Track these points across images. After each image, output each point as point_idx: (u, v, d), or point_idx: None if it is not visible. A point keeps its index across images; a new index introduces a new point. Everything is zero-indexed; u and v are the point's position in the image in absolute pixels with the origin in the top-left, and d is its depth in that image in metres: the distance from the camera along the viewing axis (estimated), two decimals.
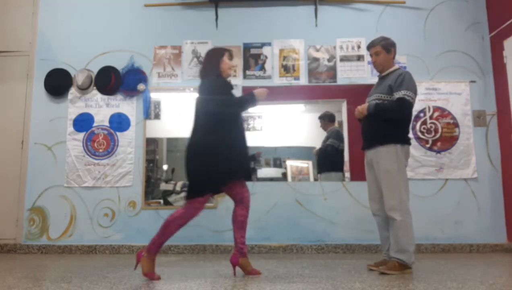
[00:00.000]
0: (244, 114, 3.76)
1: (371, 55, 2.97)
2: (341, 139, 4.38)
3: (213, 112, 2.65)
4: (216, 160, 2.60)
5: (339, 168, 4.35)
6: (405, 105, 2.71)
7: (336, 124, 4.52)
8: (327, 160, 4.45)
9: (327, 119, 4.51)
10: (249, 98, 2.76)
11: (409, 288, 2.19)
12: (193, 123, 2.75)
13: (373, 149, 2.81)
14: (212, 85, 2.71)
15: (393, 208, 2.67)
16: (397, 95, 2.72)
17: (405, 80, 2.74)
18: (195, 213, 2.65)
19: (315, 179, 4.55)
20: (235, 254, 2.69)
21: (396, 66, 2.93)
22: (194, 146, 2.68)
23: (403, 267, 2.64)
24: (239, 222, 2.76)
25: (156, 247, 2.60)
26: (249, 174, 2.83)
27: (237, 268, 2.69)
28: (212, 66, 2.79)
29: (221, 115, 2.65)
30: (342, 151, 4.35)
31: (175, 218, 2.61)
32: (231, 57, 2.85)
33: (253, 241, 4.01)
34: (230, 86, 2.81)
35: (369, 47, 2.99)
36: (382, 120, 2.76)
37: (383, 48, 2.89)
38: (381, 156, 2.75)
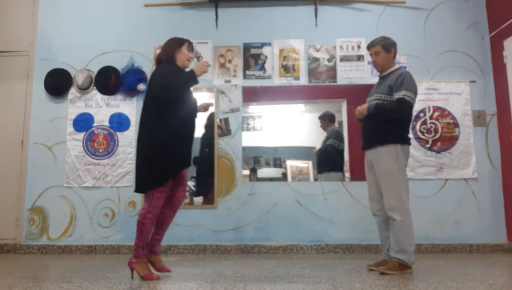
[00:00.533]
0: (240, 114, 3.71)
1: (371, 55, 2.97)
2: (341, 139, 4.38)
3: (154, 97, 2.58)
4: (160, 153, 2.54)
5: (339, 168, 4.35)
6: (405, 106, 2.71)
7: (336, 124, 4.52)
8: (327, 160, 4.45)
9: (327, 119, 4.51)
10: (187, 76, 2.64)
11: (409, 288, 2.19)
12: (141, 116, 2.70)
13: (373, 149, 2.81)
14: (159, 71, 2.63)
15: (393, 208, 2.67)
16: (397, 95, 2.72)
17: (405, 80, 2.74)
18: (159, 203, 2.57)
19: (315, 179, 4.55)
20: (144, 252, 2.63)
21: (397, 66, 2.93)
22: (139, 139, 2.63)
23: (403, 267, 2.64)
24: (160, 221, 2.70)
25: (141, 249, 2.57)
26: (188, 164, 2.71)
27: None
28: (167, 53, 2.74)
29: (162, 101, 2.57)
30: (342, 151, 4.35)
31: (144, 216, 2.56)
32: (190, 49, 2.79)
33: (253, 241, 4.02)
34: (179, 72, 2.68)
35: (369, 47, 3.00)
36: (382, 120, 2.76)
37: (382, 48, 2.90)
38: (381, 156, 2.75)
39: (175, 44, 2.78)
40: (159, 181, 2.55)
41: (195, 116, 2.78)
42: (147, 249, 2.63)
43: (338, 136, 4.40)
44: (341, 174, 4.33)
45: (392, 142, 2.73)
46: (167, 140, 2.56)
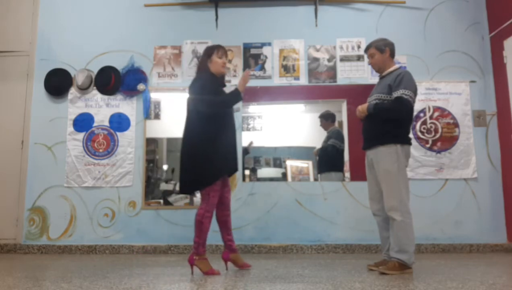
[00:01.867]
0: (241, 114, 3.83)
1: (368, 58, 3.01)
2: (342, 140, 4.38)
3: (200, 112, 2.76)
4: (210, 156, 2.71)
5: (339, 168, 4.35)
6: (403, 104, 2.70)
7: (336, 124, 4.52)
8: (328, 160, 4.45)
9: (329, 119, 4.51)
10: (232, 95, 2.81)
11: (409, 288, 2.19)
12: (185, 122, 2.87)
13: (374, 149, 2.82)
14: (199, 84, 2.80)
15: (393, 208, 2.67)
16: (395, 94, 2.73)
17: (404, 79, 2.75)
18: (214, 201, 2.76)
19: (315, 179, 4.55)
20: (226, 251, 2.89)
21: (397, 66, 2.93)
22: (188, 145, 2.79)
23: (403, 267, 2.64)
24: (223, 222, 2.92)
25: (202, 246, 2.73)
26: (236, 168, 2.94)
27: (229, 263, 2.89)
28: (202, 64, 2.90)
29: (207, 114, 2.75)
30: (342, 152, 4.35)
31: (203, 215, 2.72)
32: (221, 55, 2.88)
33: (253, 241, 4.01)
34: (217, 84, 2.86)
35: (365, 51, 3.05)
36: (382, 120, 2.77)
37: (376, 49, 2.92)
38: (382, 156, 2.75)
39: (205, 56, 2.91)
40: (209, 181, 2.72)
41: (234, 121, 2.95)
42: (227, 249, 2.88)
43: (339, 136, 4.40)
44: (341, 174, 4.33)
45: (393, 142, 2.73)
46: (215, 146, 2.72)
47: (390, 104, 2.75)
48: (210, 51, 2.88)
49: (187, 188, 2.84)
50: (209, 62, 2.85)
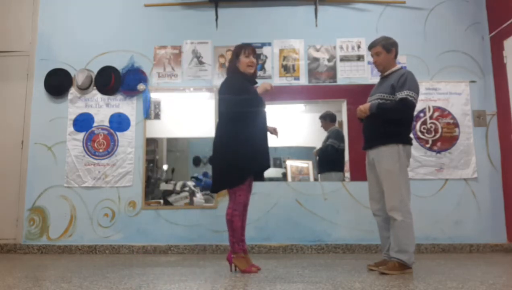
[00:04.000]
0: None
1: (372, 55, 2.98)
2: (341, 139, 4.38)
3: (223, 111, 2.86)
4: (233, 157, 2.76)
5: (339, 168, 4.34)
6: (408, 105, 2.71)
7: (336, 124, 4.52)
8: (327, 160, 4.45)
9: (328, 119, 4.51)
10: (253, 100, 2.87)
11: (409, 288, 2.19)
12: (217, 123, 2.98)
13: (375, 149, 2.81)
14: (225, 85, 2.88)
15: (394, 209, 2.67)
16: (400, 95, 2.72)
17: (408, 80, 2.74)
18: (241, 199, 2.80)
19: (315, 179, 4.55)
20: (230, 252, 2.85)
21: (399, 66, 2.93)
22: (216, 143, 2.88)
23: (403, 267, 2.64)
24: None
25: (237, 244, 2.76)
26: (267, 165, 2.93)
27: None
28: (230, 64, 2.98)
29: (231, 114, 2.82)
30: (342, 151, 4.35)
31: (232, 214, 2.77)
32: (248, 54, 2.94)
33: (253, 241, 4.01)
34: (245, 83, 2.91)
35: (370, 48, 3.00)
36: (383, 120, 2.76)
37: (383, 48, 2.89)
38: (383, 156, 2.75)
39: (233, 56, 2.98)
40: (235, 182, 2.79)
41: (265, 121, 2.99)
42: (242, 244, 2.81)
43: (338, 136, 4.40)
44: (341, 174, 4.33)
45: (394, 142, 2.72)
46: (244, 145, 2.77)
47: (394, 104, 2.74)
48: (238, 50, 2.94)
49: (215, 187, 2.90)
50: (237, 62, 2.92)
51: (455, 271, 2.77)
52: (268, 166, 2.93)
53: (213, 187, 2.90)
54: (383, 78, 2.94)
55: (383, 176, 2.74)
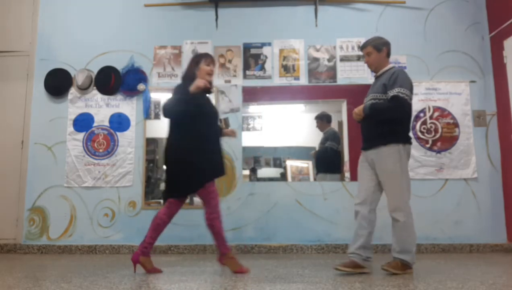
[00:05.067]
0: (241, 114, 3.84)
1: (364, 56, 2.95)
2: (338, 141, 4.40)
3: (167, 116, 2.81)
4: (184, 165, 2.74)
5: (335, 170, 4.36)
6: (400, 103, 2.66)
7: (336, 124, 4.52)
8: (325, 162, 4.47)
9: (325, 120, 4.52)
10: (180, 98, 2.76)
11: (409, 288, 2.19)
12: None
13: (375, 149, 2.75)
14: (173, 91, 2.84)
15: (398, 209, 2.64)
16: (391, 93, 2.68)
17: (399, 78, 2.70)
18: (216, 201, 2.80)
19: (315, 179, 4.55)
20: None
21: (391, 65, 2.89)
22: (166, 151, 2.86)
23: (405, 267, 2.64)
24: (161, 224, 2.83)
25: (222, 247, 2.81)
26: (221, 172, 2.88)
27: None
28: (187, 71, 2.94)
29: (173, 119, 2.81)
30: (339, 153, 4.36)
31: (211, 218, 2.77)
32: (209, 63, 2.92)
33: (253, 241, 4.02)
34: (187, 88, 2.75)
35: (361, 49, 2.98)
36: (380, 120, 2.73)
37: (374, 48, 2.85)
38: (384, 157, 2.70)
39: (193, 63, 2.94)
40: (197, 185, 2.77)
41: (216, 123, 2.97)
42: (222, 247, 2.83)
43: (336, 137, 4.41)
44: (337, 175, 4.33)
45: (395, 141, 2.69)
46: (189, 152, 2.73)
47: (386, 103, 2.71)
48: (199, 58, 2.93)
49: (170, 194, 2.85)
50: (196, 70, 2.88)
51: (455, 271, 2.77)
52: (221, 173, 2.87)
53: (170, 193, 2.83)
54: (377, 78, 2.90)
55: (385, 177, 2.70)
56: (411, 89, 2.74)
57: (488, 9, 4.34)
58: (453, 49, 4.32)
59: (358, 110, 2.82)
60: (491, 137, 4.18)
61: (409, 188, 2.73)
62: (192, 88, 2.70)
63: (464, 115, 4.20)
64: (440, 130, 4.19)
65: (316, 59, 4.36)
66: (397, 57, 4.30)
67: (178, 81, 4.32)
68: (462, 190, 4.08)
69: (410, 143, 2.78)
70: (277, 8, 4.44)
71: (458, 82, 4.25)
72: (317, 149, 4.56)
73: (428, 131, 4.19)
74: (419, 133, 4.19)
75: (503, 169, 4.11)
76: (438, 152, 4.15)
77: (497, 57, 4.15)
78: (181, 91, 2.77)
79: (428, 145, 4.17)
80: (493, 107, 4.21)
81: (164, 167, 2.89)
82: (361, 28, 4.37)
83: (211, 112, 2.93)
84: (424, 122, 4.21)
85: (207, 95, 2.96)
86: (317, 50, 4.38)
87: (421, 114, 4.22)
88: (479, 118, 4.20)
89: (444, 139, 4.17)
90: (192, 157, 2.73)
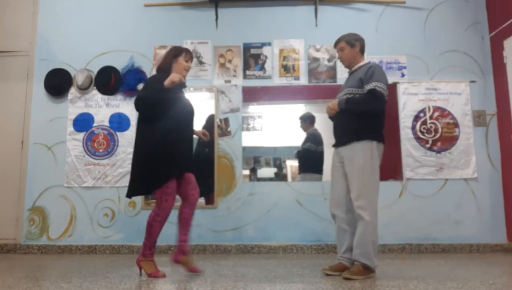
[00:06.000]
0: (241, 114, 3.79)
1: (337, 52, 2.87)
2: (317, 142, 4.42)
3: (137, 110, 2.76)
4: (150, 158, 2.62)
5: (315, 170, 4.39)
6: (376, 96, 2.59)
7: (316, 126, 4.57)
8: (305, 162, 4.51)
9: (308, 121, 4.54)
10: (154, 90, 2.65)
11: (409, 288, 2.19)
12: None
13: (348, 146, 2.64)
14: (145, 83, 2.77)
15: (363, 207, 2.53)
16: (368, 86, 2.60)
17: (376, 72, 2.64)
18: (168, 205, 2.63)
19: (300, 179, 4.57)
20: (176, 253, 2.77)
21: (366, 61, 2.83)
22: (134, 145, 2.79)
23: (368, 271, 2.52)
24: (183, 220, 2.76)
25: (148, 249, 2.65)
26: (189, 167, 2.77)
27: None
28: (164, 63, 2.83)
29: (144, 113, 2.72)
30: (320, 153, 4.38)
31: (153, 218, 2.64)
32: (188, 59, 2.84)
33: (253, 241, 4.01)
34: (162, 82, 2.65)
35: (334, 45, 2.89)
36: (355, 115, 2.63)
37: (346, 43, 2.79)
38: (356, 153, 2.60)
39: (171, 55, 2.83)
40: (155, 185, 2.63)
41: (188, 120, 2.83)
42: (179, 250, 2.75)
43: (315, 139, 4.44)
44: (318, 175, 4.36)
45: (368, 137, 2.59)
46: (157, 147, 2.62)
47: (362, 96, 2.63)
48: (178, 52, 2.82)
49: (132, 192, 2.69)
50: (174, 62, 2.79)
51: (455, 271, 2.77)
52: (185, 170, 2.74)
53: (128, 191, 2.69)
54: (351, 74, 2.83)
55: (355, 174, 2.58)
56: (387, 84, 2.66)
57: (488, 9, 4.34)
58: (453, 49, 4.32)
59: (332, 104, 2.72)
60: (491, 137, 4.18)
61: (377, 189, 2.61)
62: (167, 82, 2.58)
63: (464, 115, 4.20)
64: (440, 130, 4.19)
65: (316, 59, 4.36)
66: (397, 57, 4.30)
67: None
68: (462, 190, 4.08)
69: (383, 142, 2.67)
70: (277, 8, 4.44)
71: (458, 82, 4.25)
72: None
73: (428, 131, 4.19)
74: (419, 133, 4.19)
75: (503, 169, 4.11)
76: (438, 152, 4.15)
77: (497, 57, 4.15)
78: (154, 83, 2.66)
79: (428, 145, 4.17)
80: (493, 107, 4.21)
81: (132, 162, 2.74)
82: (361, 28, 4.33)
83: (183, 109, 2.79)
84: (424, 122, 4.21)
85: (182, 89, 2.85)
86: (317, 50, 4.38)
87: (421, 114, 4.22)
88: (479, 118, 4.20)
89: (444, 139, 4.17)
90: (155, 155, 2.60)
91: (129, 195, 2.69)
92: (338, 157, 2.75)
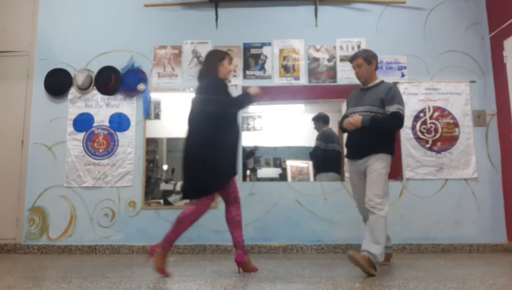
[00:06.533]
0: (241, 114, 3.83)
1: (353, 67, 3.05)
2: (327, 140, 4.38)
3: (211, 112, 2.72)
4: (217, 160, 2.67)
5: (329, 168, 4.34)
6: (400, 119, 2.85)
7: (336, 124, 4.52)
8: (318, 161, 4.49)
9: (320, 121, 4.53)
10: (245, 98, 2.89)
11: (409, 288, 2.19)
12: (190, 123, 2.83)
13: (366, 158, 2.86)
14: (211, 85, 2.79)
15: (379, 204, 2.73)
16: (392, 109, 2.83)
17: (396, 95, 2.87)
18: (205, 209, 2.72)
19: (315, 179, 4.55)
20: (240, 253, 2.75)
21: (380, 79, 3.02)
22: (195, 146, 2.74)
23: (371, 263, 2.63)
24: (237, 221, 2.82)
25: (170, 243, 2.66)
26: (235, 173, 2.88)
27: None
28: (211, 67, 2.88)
29: (218, 115, 2.73)
30: (332, 151, 4.34)
31: (186, 215, 2.67)
32: (231, 63, 2.96)
33: (253, 241, 4.01)
34: (227, 87, 2.88)
35: (351, 60, 3.08)
36: (375, 132, 2.84)
37: (364, 60, 2.97)
38: (374, 161, 2.82)
39: (217, 58, 2.92)
40: (213, 189, 2.72)
41: (240, 128, 3.02)
42: (242, 250, 2.76)
43: (323, 137, 4.42)
44: (333, 175, 4.31)
45: (385, 151, 2.85)
46: (220, 151, 2.70)
47: (387, 118, 2.85)
48: (223, 55, 2.93)
49: (190, 194, 2.78)
50: (220, 66, 2.87)
51: (455, 271, 2.77)
52: (235, 174, 2.87)
53: (189, 193, 2.76)
54: (366, 90, 3.00)
55: (373, 174, 2.80)
56: (404, 105, 2.91)
57: (488, 9, 4.34)
58: (453, 49, 4.32)
59: (355, 121, 2.87)
60: (491, 137, 4.18)
61: (388, 194, 2.84)
62: (255, 94, 2.83)
63: (464, 115, 4.20)
64: (440, 130, 4.19)
65: (316, 59, 4.36)
66: (397, 57, 4.30)
67: (178, 81, 4.35)
68: (462, 190, 4.08)
69: (394, 155, 2.94)
70: (277, 8, 4.44)
71: (458, 82, 4.25)
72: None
73: (428, 131, 4.19)
74: (419, 133, 4.19)
75: (503, 169, 4.10)
76: (438, 152, 4.15)
77: (497, 57, 4.15)
78: (225, 89, 2.80)
79: (428, 145, 4.17)
80: (493, 107, 4.21)
81: (192, 163, 2.73)
82: (361, 28, 4.37)
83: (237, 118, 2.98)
84: (424, 122, 4.21)
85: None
86: (317, 50, 4.38)
87: (421, 114, 4.22)
88: (479, 118, 4.20)
89: (444, 139, 4.17)
90: (225, 159, 2.71)
91: (194, 196, 2.74)
92: (356, 168, 2.96)
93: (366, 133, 2.84)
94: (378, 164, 2.81)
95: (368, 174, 2.84)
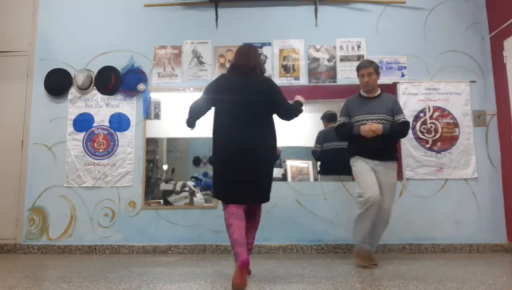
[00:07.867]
0: None
1: (362, 75, 3.24)
2: (320, 141, 4.32)
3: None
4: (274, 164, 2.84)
5: (333, 171, 4.26)
6: (408, 127, 3.25)
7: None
8: (319, 164, 4.48)
9: (325, 119, 4.51)
10: (300, 106, 3.10)
11: (409, 288, 2.20)
12: (244, 121, 2.68)
13: (384, 162, 3.14)
14: (277, 87, 2.93)
15: (389, 215, 3.15)
16: (402, 119, 3.20)
17: (400, 105, 3.33)
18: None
19: (315, 179, 4.55)
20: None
21: (379, 89, 3.31)
22: (261, 149, 2.67)
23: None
24: (257, 223, 2.78)
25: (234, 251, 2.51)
26: None
27: None
28: (262, 64, 3.03)
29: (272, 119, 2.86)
30: (328, 151, 4.30)
31: (260, 215, 2.82)
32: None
33: None
34: None
35: (360, 68, 3.27)
36: (389, 139, 3.16)
37: (374, 70, 3.23)
38: (391, 171, 3.17)
39: (259, 57, 3.05)
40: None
41: None
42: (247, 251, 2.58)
43: (318, 138, 4.33)
44: (337, 177, 4.25)
45: (396, 158, 3.25)
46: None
47: (401, 127, 3.19)
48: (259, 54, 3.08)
49: (267, 198, 2.70)
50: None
51: (455, 271, 2.77)
52: None
53: (265, 197, 2.66)
54: (370, 98, 3.26)
55: (389, 187, 3.13)
56: None
57: (488, 9, 4.34)
58: (453, 49, 4.32)
59: (377, 129, 3.09)
60: (491, 137, 4.18)
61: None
62: (303, 100, 3.12)
63: (464, 115, 4.20)
64: (440, 130, 4.19)
65: (316, 59, 4.36)
66: (397, 57, 4.30)
67: (178, 81, 4.35)
68: (462, 190, 4.08)
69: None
70: (277, 8, 4.44)
71: (458, 82, 4.25)
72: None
73: (428, 131, 4.19)
74: (419, 133, 4.19)
75: (503, 169, 4.11)
76: (438, 152, 4.15)
77: (497, 57, 4.15)
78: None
79: (428, 145, 4.17)
80: (493, 107, 4.21)
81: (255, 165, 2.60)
82: (361, 28, 4.37)
83: None
84: (424, 122, 4.21)
85: None
86: (317, 50, 4.38)
87: (421, 114, 4.22)
88: (479, 118, 4.20)
89: (444, 139, 4.17)
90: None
91: (266, 200, 2.73)
92: (371, 165, 3.16)
93: (382, 140, 3.11)
94: (394, 175, 3.17)
95: (386, 182, 3.11)
